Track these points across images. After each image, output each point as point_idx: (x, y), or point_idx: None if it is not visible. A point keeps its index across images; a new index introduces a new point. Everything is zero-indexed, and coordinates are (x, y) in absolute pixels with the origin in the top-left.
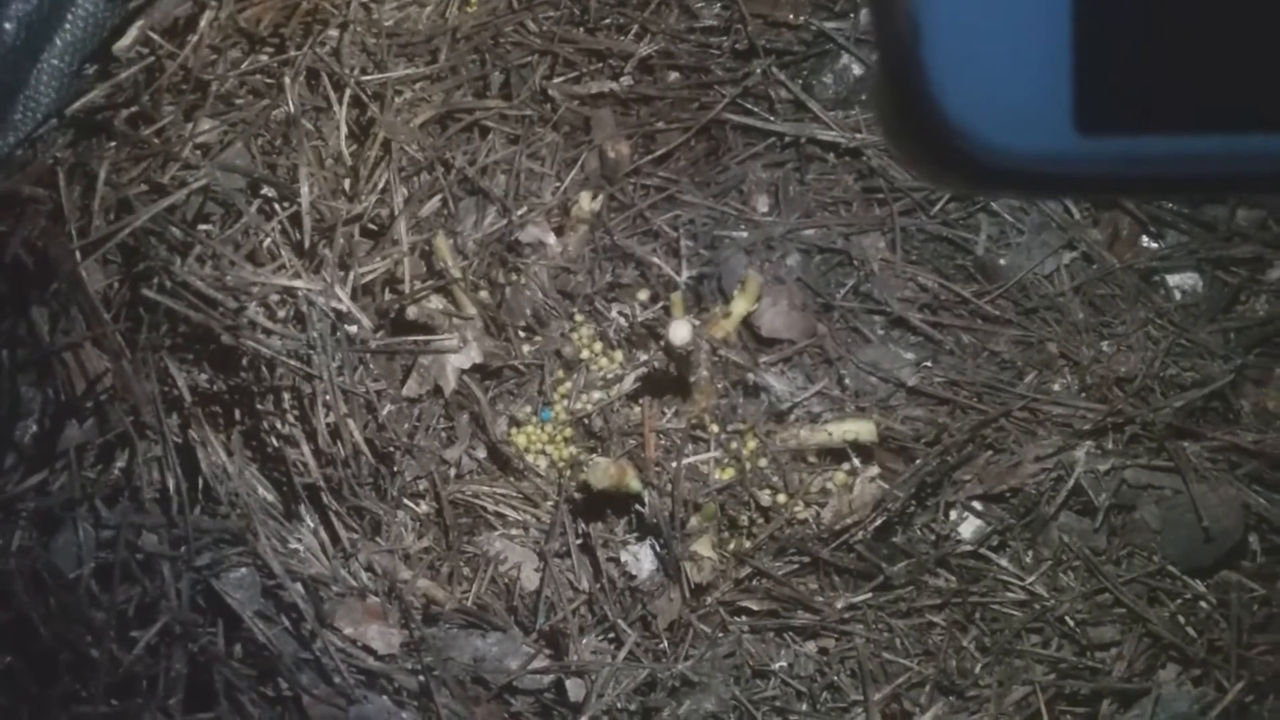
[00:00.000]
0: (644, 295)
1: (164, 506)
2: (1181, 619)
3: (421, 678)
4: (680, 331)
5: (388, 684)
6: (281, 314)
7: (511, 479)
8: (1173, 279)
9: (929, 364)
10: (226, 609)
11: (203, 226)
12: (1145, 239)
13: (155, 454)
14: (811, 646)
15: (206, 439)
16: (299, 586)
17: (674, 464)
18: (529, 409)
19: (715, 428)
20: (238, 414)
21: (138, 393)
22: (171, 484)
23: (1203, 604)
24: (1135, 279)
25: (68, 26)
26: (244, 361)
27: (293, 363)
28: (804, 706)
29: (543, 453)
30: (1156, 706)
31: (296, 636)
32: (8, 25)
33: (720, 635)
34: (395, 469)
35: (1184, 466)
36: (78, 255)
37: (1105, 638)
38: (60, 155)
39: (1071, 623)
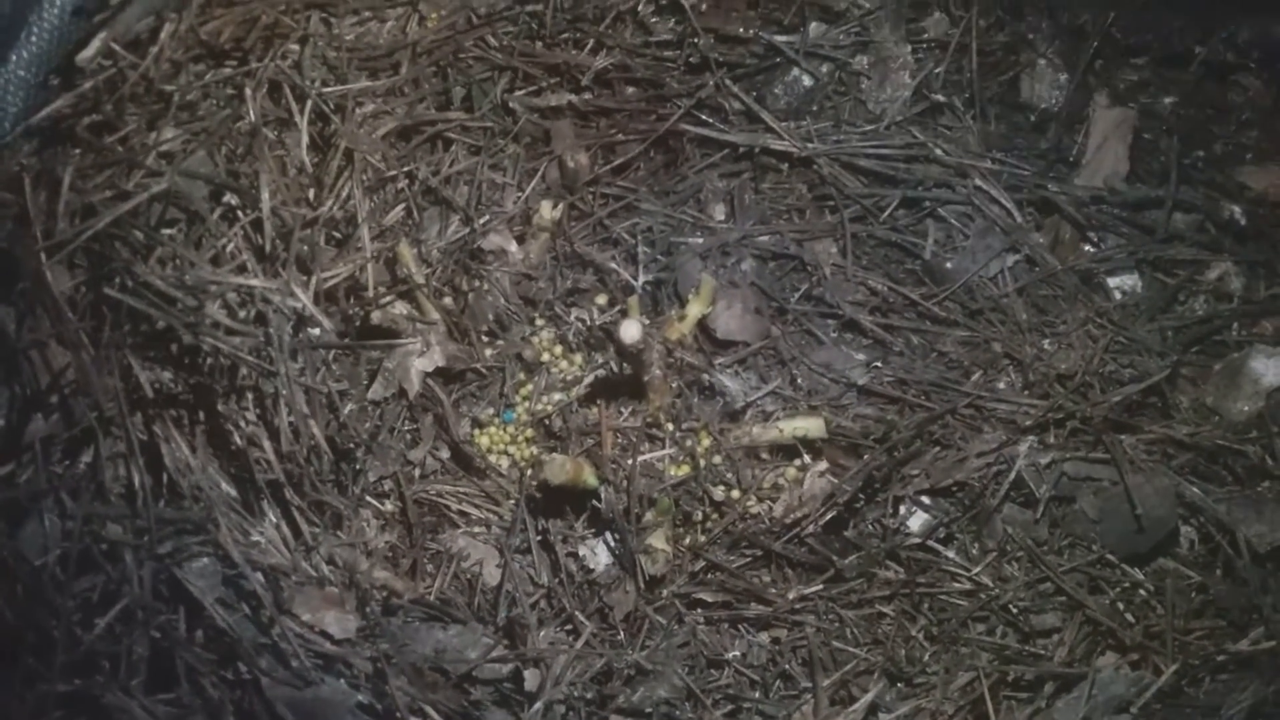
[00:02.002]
0: (602, 300)
1: (128, 499)
2: (1120, 605)
3: (378, 664)
4: (630, 331)
5: (345, 668)
6: (243, 314)
7: (474, 478)
8: (1113, 280)
9: (879, 364)
10: (188, 596)
11: (166, 231)
12: (1085, 244)
13: (119, 450)
14: (764, 637)
15: (170, 435)
16: (259, 575)
17: (630, 461)
18: (491, 410)
19: (670, 426)
20: (201, 412)
21: (97, 385)
22: (135, 478)
23: (1141, 591)
24: (1076, 280)
25: (33, 39)
26: (206, 360)
27: (251, 359)
28: (756, 694)
29: (505, 453)
30: (1094, 690)
31: (256, 622)
32: None
33: (675, 626)
34: (357, 466)
35: (1120, 459)
36: (43, 257)
37: (1047, 624)
38: (26, 162)
39: (1015, 611)
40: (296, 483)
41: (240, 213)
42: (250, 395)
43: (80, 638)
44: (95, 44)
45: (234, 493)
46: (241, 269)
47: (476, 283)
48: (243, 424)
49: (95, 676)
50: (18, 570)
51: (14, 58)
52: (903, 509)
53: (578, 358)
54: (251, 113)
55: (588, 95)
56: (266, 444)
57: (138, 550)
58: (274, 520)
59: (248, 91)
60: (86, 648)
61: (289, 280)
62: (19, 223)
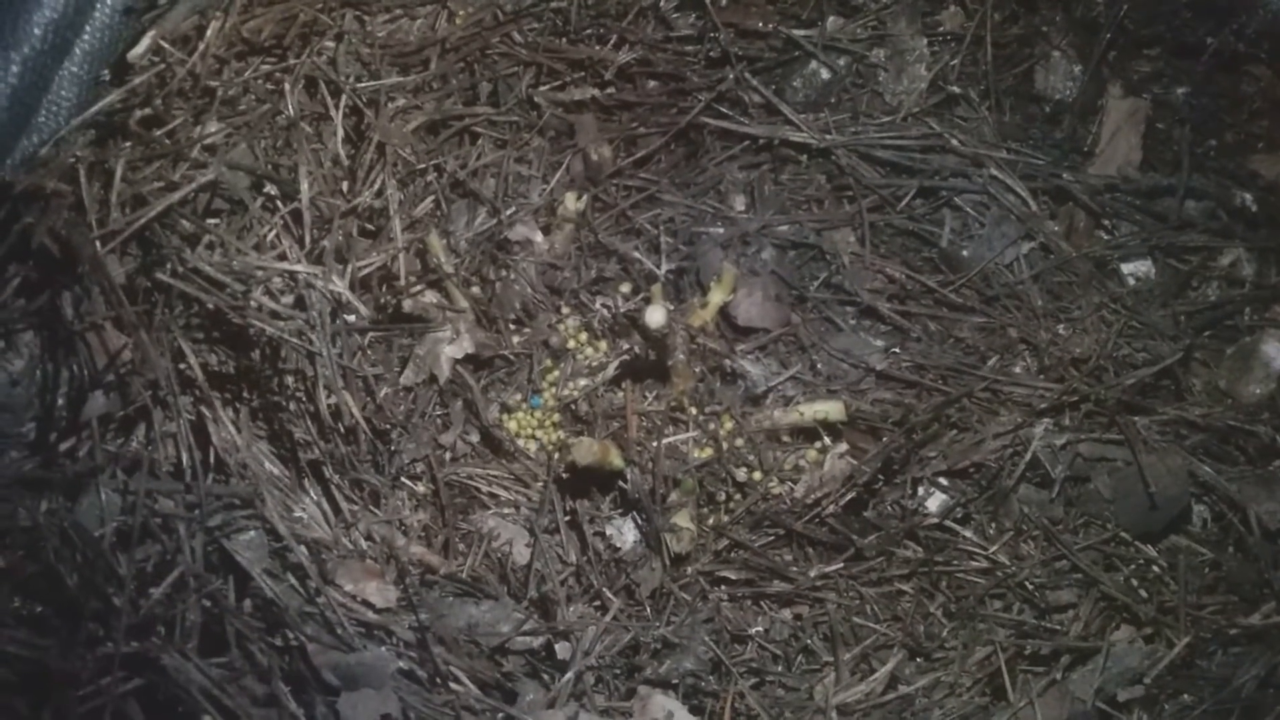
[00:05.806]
0: (626, 288)
1: (177, 475)
2: (1134, 582)
3: (419, 633)
4: (655, 315)
5: (386, 636)
6: (285, 300)
7: (503, 461)
8: (1126, 266)
9: (897, 350)
10: (237, 567)
11: (211, 220)
12: (1099, 232)
13: (170, 429)
14: (786, 613)
15: (218, 415)
16: (303, 548)
17: (655, 443)
18: (519, 396)
19: (694, 410)
20: (246, 393)
21: (157, 364)
22: (185, 455)
23: (1154, 567)
24: (1090, 267)
25: (86, 36)
26: (252, 344)
27: (294, 340)
28: (779, 668)
29: (533, 437)
30: (1109, 662)
31: (301, 592)
32: (36, 30)
33: (700, 603)
34: (393, 448)
35: (1134, 439)
36: (98, 244)
37: (1063, 600)
38: (81, 154)
39: (1031, 588)
40: (337, 462)
41: (279, 203)
42: (292, 378)
43: (139, 604)
44: (145, 41)
45: (277, 471)
46: (282, 257)
47: (504, 272)
48: (286, 405)
49: (153, 640)
50: (78, 541)
51: (69, 53)
52: (921, 490)
53: (602, 345)
54: (290, 107)
55: (611, 89)
56: (309, 424)
57: (189, 523)
58: (315, 498)
59: (286, 87)
60: (145, 613)
61: (330, 268)
62: (75, 211)
